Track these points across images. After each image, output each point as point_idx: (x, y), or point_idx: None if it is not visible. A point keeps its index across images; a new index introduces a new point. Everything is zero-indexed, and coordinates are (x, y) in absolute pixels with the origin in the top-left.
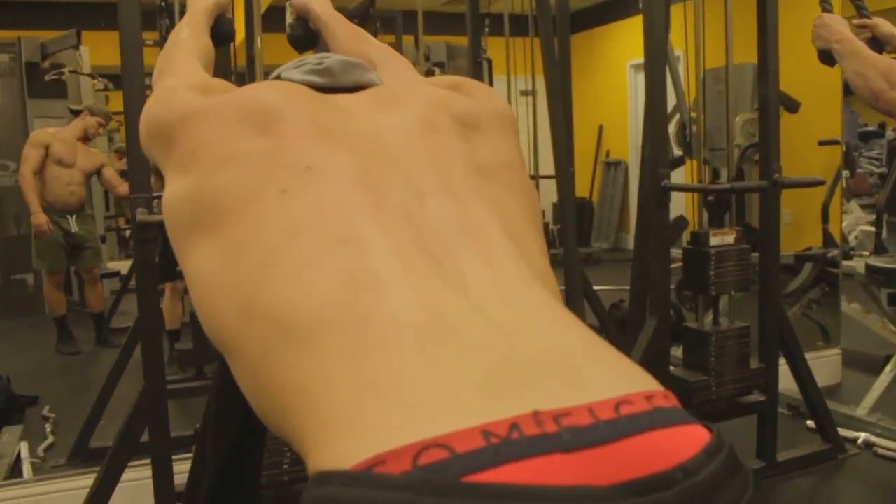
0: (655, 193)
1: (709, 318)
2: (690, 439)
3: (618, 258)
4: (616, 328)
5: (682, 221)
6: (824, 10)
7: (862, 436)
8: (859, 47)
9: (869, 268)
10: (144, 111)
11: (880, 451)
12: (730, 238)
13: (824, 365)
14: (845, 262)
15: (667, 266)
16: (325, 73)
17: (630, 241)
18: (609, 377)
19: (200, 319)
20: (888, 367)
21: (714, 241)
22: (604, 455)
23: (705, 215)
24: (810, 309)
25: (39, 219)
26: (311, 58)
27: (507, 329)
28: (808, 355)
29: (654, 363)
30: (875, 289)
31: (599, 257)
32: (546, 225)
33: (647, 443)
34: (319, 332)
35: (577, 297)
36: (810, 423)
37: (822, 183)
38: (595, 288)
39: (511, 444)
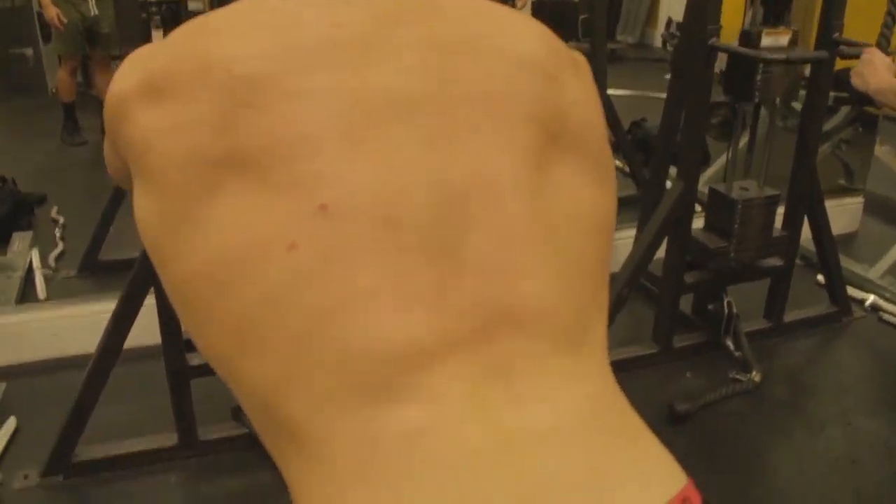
0: (700, 53)
1: (744, 139)
2: None
3: (643, 56)
4: (633, 148)
5: None
6: (879, 45)
7: (871, 298)
8: None
9: None
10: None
11: (885, 316)
12: (784, 39)
13: (845, 212)
14: None
15: (702, 133)
16: None
17: (656, 38)
18: (633, 494)
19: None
20: None
21: (766, 41)
22: None
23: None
24: (839, 149)
25: (50, 13)
26: None
27: (533, 465)
28: (829, 202)
29: (676, 226)
30: None
31: (624, 54)
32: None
33: None
34: (323, 455)
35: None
36: (821, 277)
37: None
38: (617, 92)
39: None
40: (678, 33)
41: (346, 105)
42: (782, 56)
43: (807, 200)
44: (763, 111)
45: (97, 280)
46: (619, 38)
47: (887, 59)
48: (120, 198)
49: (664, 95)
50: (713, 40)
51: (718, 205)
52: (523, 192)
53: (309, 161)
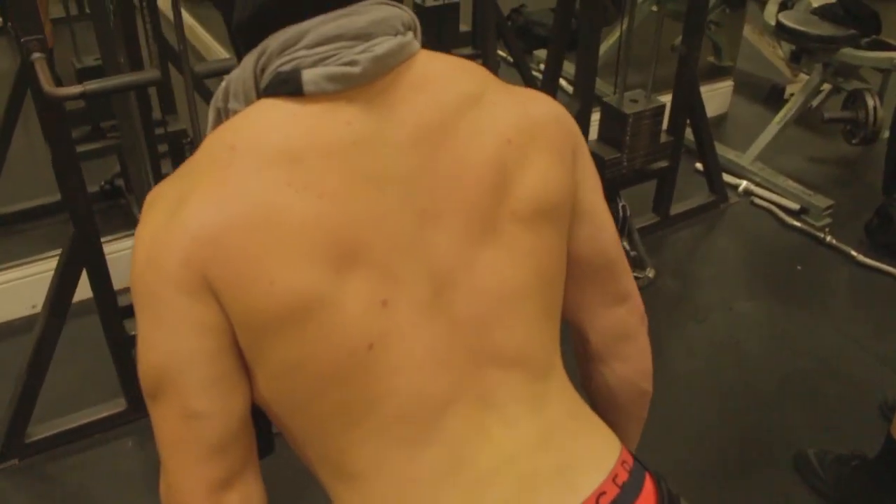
0: None
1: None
2: None
3: None
4: (513, 37)
5: None
6: None
7: (743, 184)
8: None
9: (779, 24)
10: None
11: (756, 200)
12: None
13: (716, 95)
14: None
15: (595, 53)
16: (355, 77)
17: None
18: (590, 470)
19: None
20: (776, 119)
21: None
22: None
23: None
24: (709, 29)
25: None
26: (342, 43)
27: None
28: (702, 88)
29: None
30: (779, 41)
31: None
32: None
33: None
34: (370, 489)
35: None
36: (699, 165)
37: None
38: None
39: None
40: None
41: (374, 198)
42: None
43: (689, 107)
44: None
45: None
46: None
47: None
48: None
49: None
50: None
51: (610, 117)
52: (493, 259)
53: (370, 262)
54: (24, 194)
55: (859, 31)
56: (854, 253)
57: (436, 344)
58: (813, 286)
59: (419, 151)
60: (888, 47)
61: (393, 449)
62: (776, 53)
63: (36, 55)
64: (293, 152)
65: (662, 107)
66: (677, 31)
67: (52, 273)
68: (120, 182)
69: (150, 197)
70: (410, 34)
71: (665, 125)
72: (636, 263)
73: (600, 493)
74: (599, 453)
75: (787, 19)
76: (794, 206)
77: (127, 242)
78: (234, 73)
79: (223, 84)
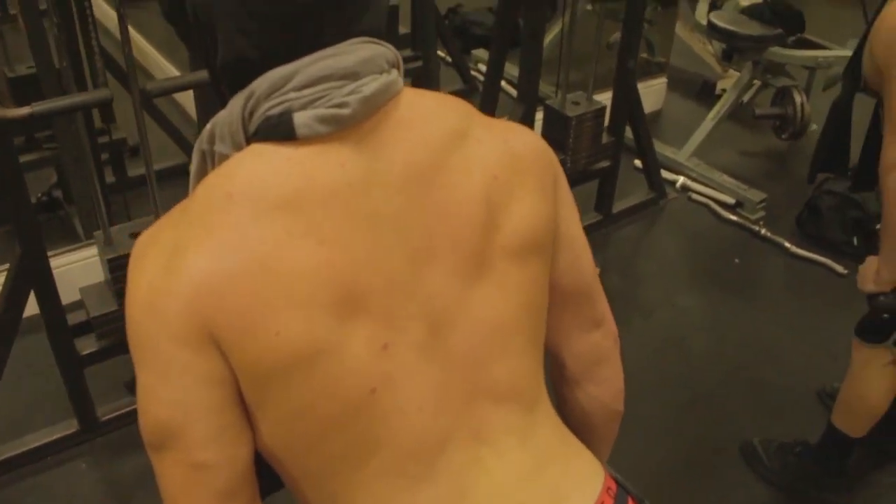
0: None
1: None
2: None
3: None
4: (452, 38)
5: None
6: None
7: (681, 179)
8: None
9: (710, 24)
10: None
11: (693, 195)
12: None
13: (651, 92)
14: None
15: (539, 56)
16: (345, 119)
17: None
18: (578, 499)
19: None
20: (710, 115)
21: None
22: None
23: None
24: (642, 27)
25: None
26: (331, 84)
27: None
28: (638, 85)
29: None
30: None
31: None
32: None
33: None
34: None
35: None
36: (638, 162)
37: None
38: None
39: None
40: None
41: (370, 240)
42: None
43: (628, 108)
44: None
45: None
46: None
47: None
48: None
49: None
50: None
51: (553, 120)
52: (486, 295)
53: (370, 306)
54: None
55: (785, 30)
56: (787, 244)
57: (434, 382)
58: (750, 278)
59: (410, 190)
60: (813, 45)
61: (397, 486)
62: (706, 49)
63: None
64: (291, 198)
65: (603, 108)
66: (612, 28)
67: None
68: (58, 193)
69: (141, 242)
70: (395, 72)
71: (606, 123)
72: None
73: None
74: (586, 481)
75: (718, 19)
76: (730, 200)
77: (72, 256)
78: (220, 116)
79: (208, 126)
